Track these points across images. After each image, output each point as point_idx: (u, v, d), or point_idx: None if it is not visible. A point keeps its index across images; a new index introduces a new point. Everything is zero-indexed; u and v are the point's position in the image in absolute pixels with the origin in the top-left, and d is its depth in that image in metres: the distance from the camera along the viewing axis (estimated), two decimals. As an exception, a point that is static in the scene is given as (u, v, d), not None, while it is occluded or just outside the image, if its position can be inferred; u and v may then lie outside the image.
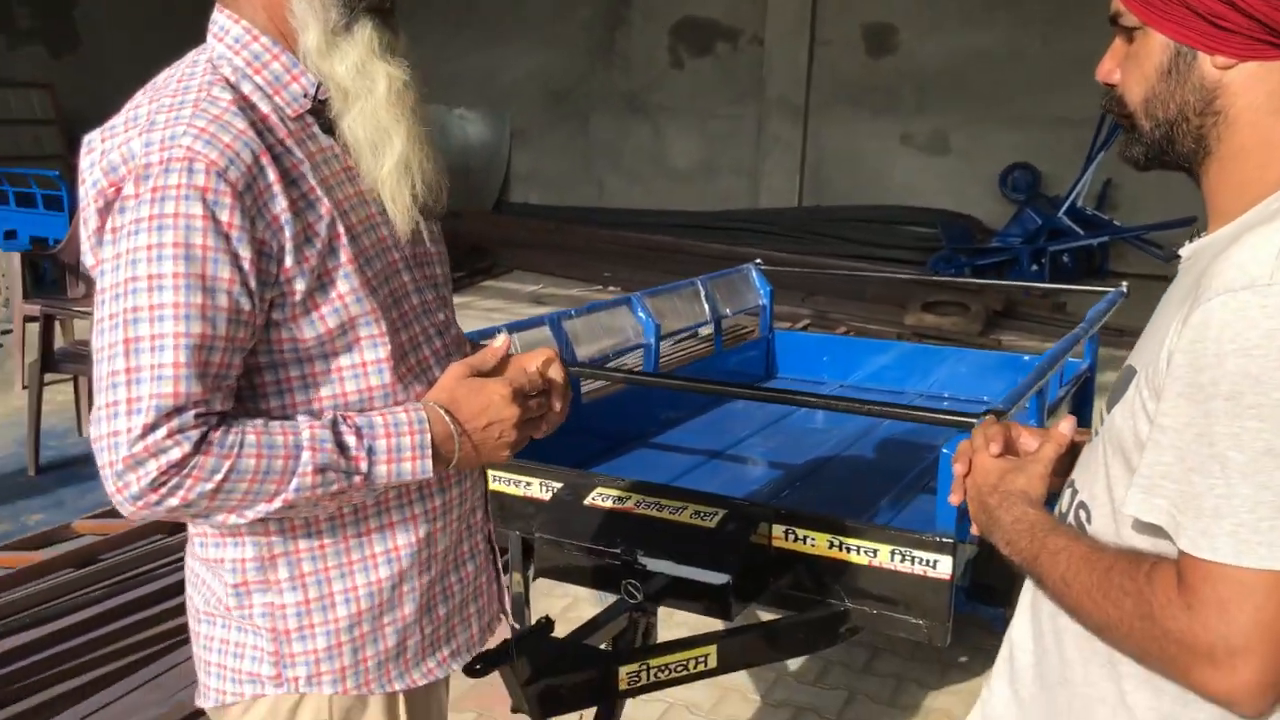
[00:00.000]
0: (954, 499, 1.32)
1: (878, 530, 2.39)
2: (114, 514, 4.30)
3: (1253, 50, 1.01)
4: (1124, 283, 4.03)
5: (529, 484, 2.64)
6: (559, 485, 2.58)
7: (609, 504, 2.51)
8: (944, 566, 2.31)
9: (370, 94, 1.25)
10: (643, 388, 3.41)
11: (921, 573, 2.33)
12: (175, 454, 1.12)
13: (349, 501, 1.27)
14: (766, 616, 2.84)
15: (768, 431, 3.69)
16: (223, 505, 1.17)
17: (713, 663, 2.32)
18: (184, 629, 3.42)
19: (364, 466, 1.23)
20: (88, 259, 1.23)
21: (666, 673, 2.27)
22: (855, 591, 2.41)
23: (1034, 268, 9.93)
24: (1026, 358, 4.31)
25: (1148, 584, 0.97)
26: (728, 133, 13.50)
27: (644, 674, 2.25)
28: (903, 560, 2.35)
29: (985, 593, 3.03)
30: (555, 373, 1.40)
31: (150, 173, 1.15)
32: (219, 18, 1.28)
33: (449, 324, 1.46)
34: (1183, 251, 1.13)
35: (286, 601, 1.31)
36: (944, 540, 2.31)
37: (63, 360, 5.17)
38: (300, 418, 1.23)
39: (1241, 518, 0.91)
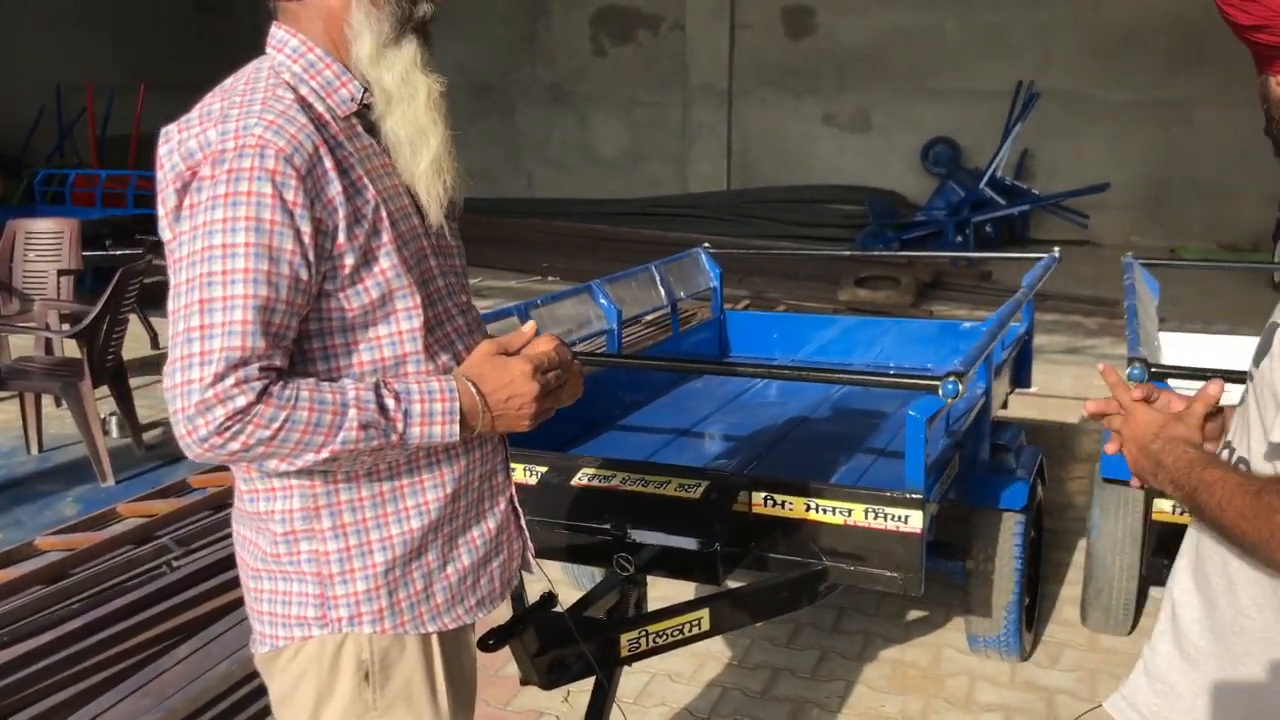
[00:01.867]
0: (1110, 448, 1.49)
1: (851, 491, 2.53)
2: (76, 529, 4.28)
3: None
4: (1056, 248, 4.23)
5: (513, 470, 2.74)
6: (544, 469, 2.68)
7: (595, 483, 2.62)
8: (915, 521, 2.46)
9: (413, 100, 1.43)
10: (611, 370, 3.52)
11: (894, 528, 2.48)
12: (240, 401, 1.26)
13: (384, 459, 1.41)
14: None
15: (729, 408, 3.83)
16: (276, 452, 1.31)
17: (706, 625, 2.44)
18: (167, 635, 3.42)
19: (400, 427, 1.37)
20: (165, 234, 1.38)
21: (665, 638, 2.39)
22: (832, 550, 2.55)
23: (959, 239, 10.23)
24: (965, 325, 4.51)
25: None
26: (653, 120, 13.62)
27: (643, 640, 2.37)
28: (876, 518, 2.49)
29: (944, 549, 3.20)
30: (563, 354, 1.57)
31: (226, 157, 1.30)
32: (277, 32, 1.45)
33: (469, 306, 1.61)
34: None
35: (330, 549, 1.44)
36: (913, 497, 2.46)
37: (8, 377, 5.10)
38: (345, 380, 1.38)
39: None
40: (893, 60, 12.39)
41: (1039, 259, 4.12)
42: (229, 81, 1.43)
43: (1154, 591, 3.66)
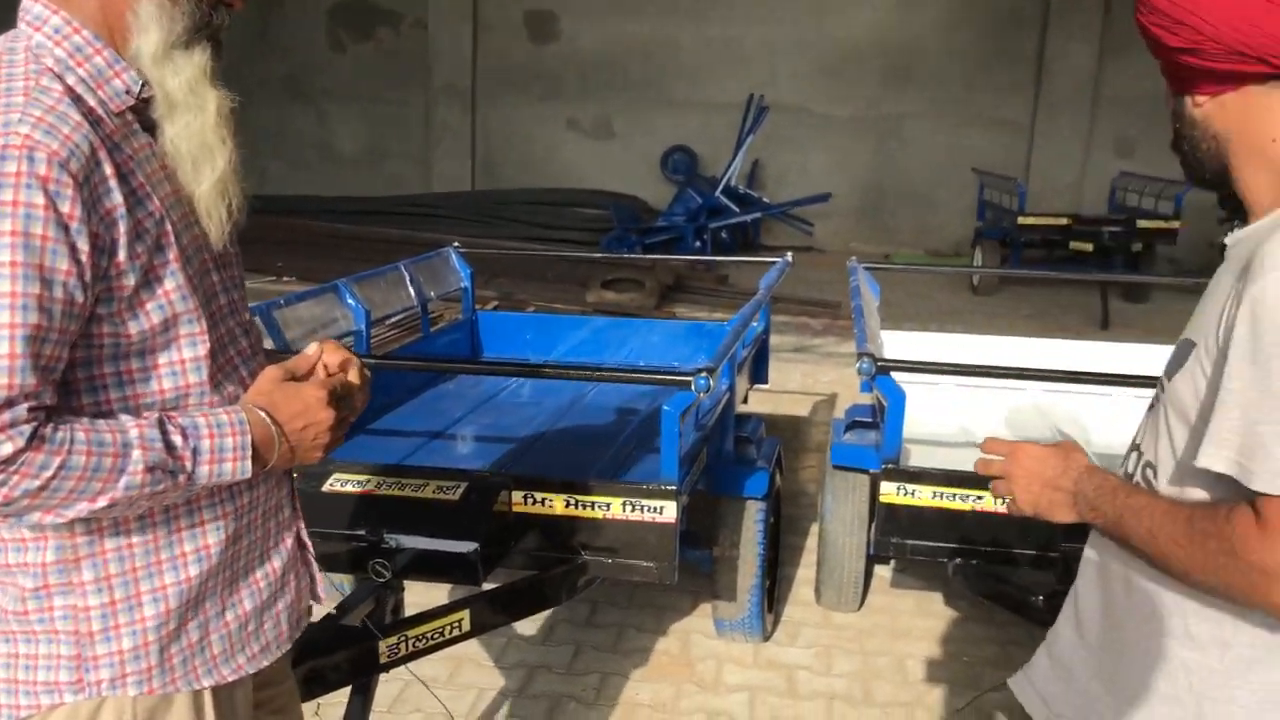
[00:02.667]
0: (1001, 490, 1.47)
1: (610, 485, 2.61)
2: None
3: (1209, 88, 1.27)
4: (788, 253, 4.51)
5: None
6: (294, 475, 2.58)
7: (349, 489, 2.56)
8: (670, 511, 2.56)
9: (200, 112, 1.29)
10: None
11: (650, 519, 2.57)
12: (7, 448, 1.10)
13: (164, 501, 1.27)
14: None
15: (484, 408, 3.82)
16: (44, 504, 1.16)
17: (466, 627, 2.44)
18: None
19: (189, 466, 1.24)
20: None
21: (424, 641, 2.36)
22: (592, 544, 2.61)
23: (698, 244, 10.64)
24: (708, 325, 4.72)
25: (1227, 524, 1.14)
26: (395, 118, 13.33)
27: (402, 645, 2.33)
28: (633, 510, 2.58)
29: (692, 538, 3.34)
30: (354, 375, 1.46)
31: None
32: (34, 6, 1.25)
33: (251, 324, 1.48)
34: (1227, 240, 1.32)
35: (90, 604, 1.28)
36: (668, 488, 2.56)
37: None
38: (123, 416, 1.23)
39: None
40: (633, 69, 12.73)
41: (774, 263, 4.37)
42: None
43: (880, 570, 3.97)
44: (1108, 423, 3.81)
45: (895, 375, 2.82)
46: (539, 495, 2.58)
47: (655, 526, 2.56)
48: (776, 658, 3.46)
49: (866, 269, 4.36)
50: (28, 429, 1.12)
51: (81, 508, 1.18)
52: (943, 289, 9.78)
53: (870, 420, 3.67)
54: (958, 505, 2.66)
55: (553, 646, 3.51)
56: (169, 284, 1.26)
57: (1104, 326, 8.41)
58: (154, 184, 1.27)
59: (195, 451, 1.25)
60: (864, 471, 3.50)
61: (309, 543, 1.57)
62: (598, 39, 12.71)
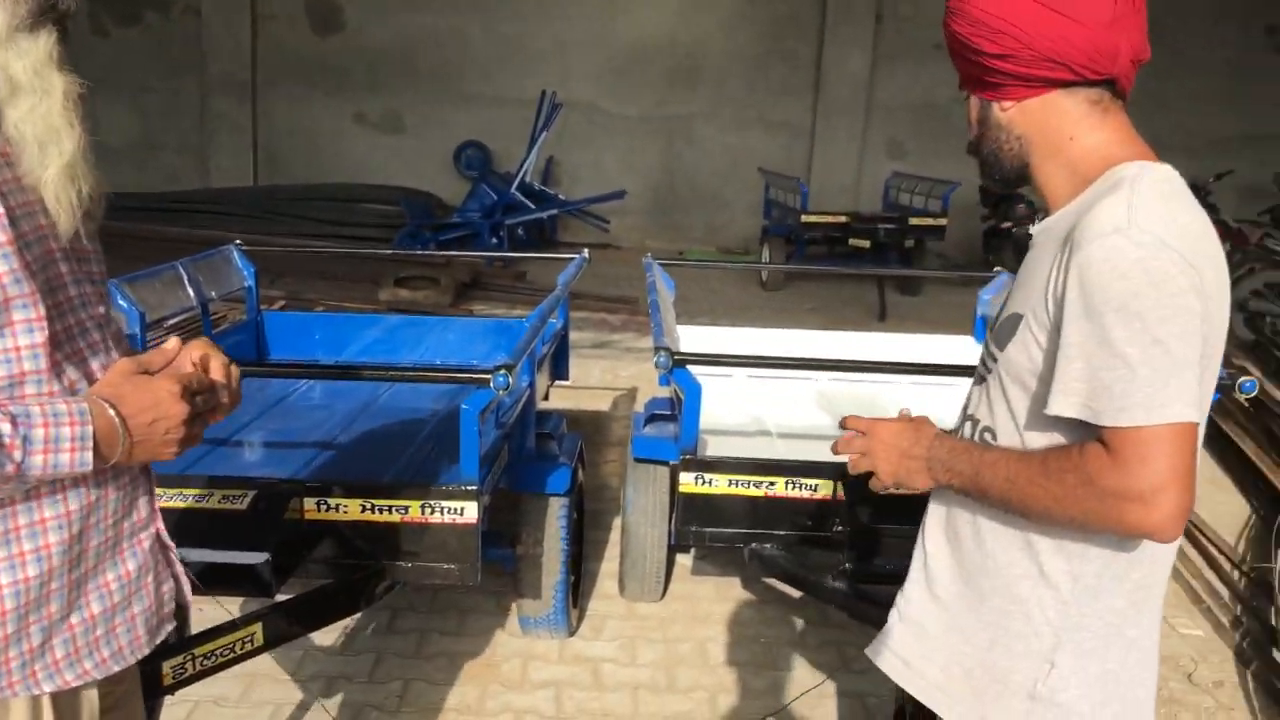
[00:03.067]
0: (864, 466, 1.57)
1: (407, 488, 2.55)
2: None
3: (1017, 93, 1.42)
4: (585, 249, 4.53)
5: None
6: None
7: (124, 501, 2.39)
8: (470, 512, 2.53)
9: (46, 95, 1.27)
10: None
11: (450, 521, 2.53)
12: None
13: None
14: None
15: (272, 413, 3.66)
16: None
17: (260, 641, 2.33)
18: None
19: (18, 455, 1.18)
20: None
21: (214, 659, 2.25)
22: (390, 549, 2.55)
23: (494, 240, 10.56)
24: (506, 322, 4.69)
25: (1082, 459, 1.29)
26: (167, 108, 12.57)
27: (189, 665, 2.21)
28: (432, 512, 2.53)
29: (494, 537, 3.31)
30: (217, 371, 1.42)
31: None
32: None
33: (107, 319, 1.42)
34: (1033, 229, 1.48)
35: None
36: (468, 489, 2.53)
37: None
38: None
39: (1145, 391, 1.24)
40: (422, 62, 12.48)
41: (571, 259, 4.38)
42: None
43: (681, 558, 4.06)
44: (887, 407, 4.03)
45: (691, 368, 2.88)
46: (332, 501, 2.50)
47: (456, 528, 2.52)
48: (582, 652, 3.48)
49: (661, 265, 4.44)
50: None
51: None
52: (734, 285, 10.08)
53: (669, 413, 3.75)
54: (752, 492, 2.76)
55: (352, 656, 3.40)
56: (1, 267, 1.21)
57: (881, 318, 8.89)
58: None
59: (26, 440, 1.18)
60: (664, 463, 3.57)
61: (171, 544, 1.52)
62: (385, 31, 12.39)
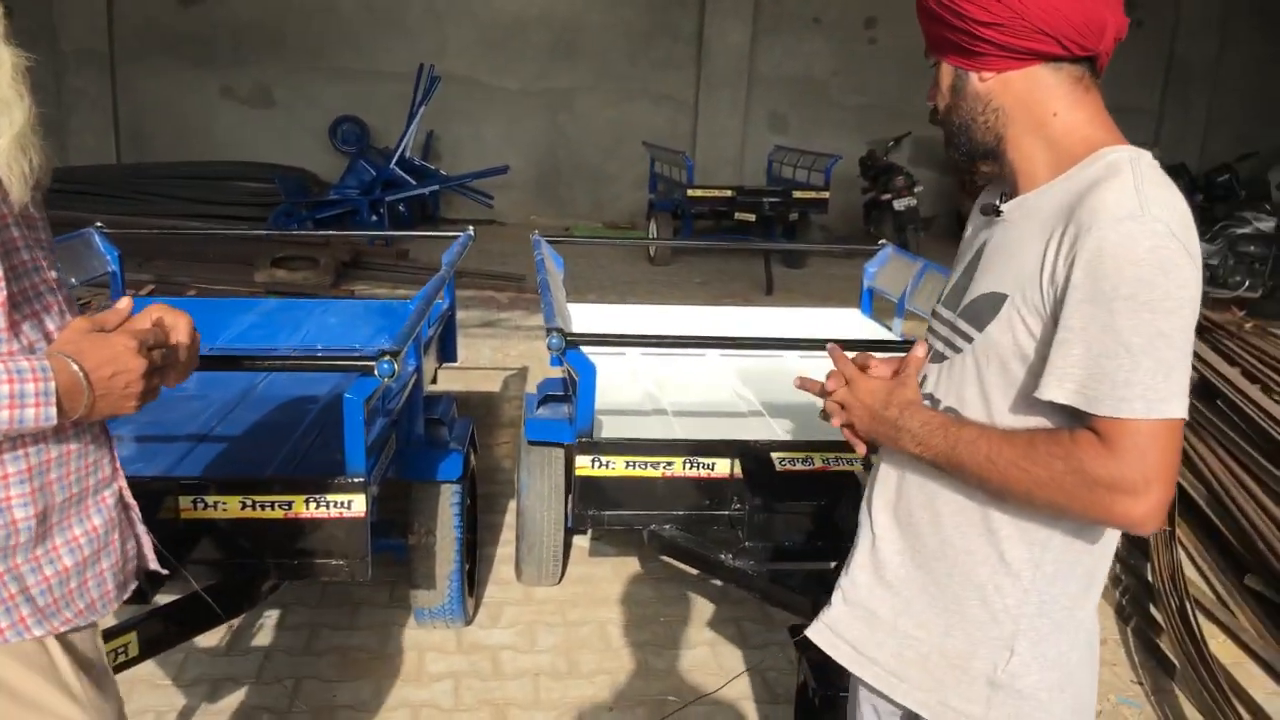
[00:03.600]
0: (835, 422, 1.52)
1: (290, 481, 2.43)
2: None
3: (1001, 64, 1.37)
4: (470, 227, 4.42)
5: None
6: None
7: (-22, 508, 2.21)
8: (358, 505, 2.43)
9: None
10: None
11: (338, 515, 2.42)
12: None
13: None
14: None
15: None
16: None
17: (135, 650, 2.20)
18: None
19: None
20: None
21: (83, 674, 2.09)
22: (275, 547, 2.43)
23: (374, 218, 10.27)
24: (390, 303, 4.54)
25: (1074, 446, 1.25)
26: (17, 83, 11.84)
27: (56, 681, 2.06)
28: (318, 507, 2.42)
29: (385, 527, 3.20)
30: (180, 332, 1.47)
31: None
32: None
33: (59, 284, 1.45)
34: (1005, 206, 1.42)
35: None
36: (355, 481, 2.42)
37: None
38: None
39: (1147, 384, 1.21)
40: (291, 35, 12.03)
41: (456, 237, 4.26)
42: None
43: (578, 540, 4.01)
44: (774, 378, 4.05)
45: (585, 348, 2.82)
46: (210, 499, 2.36)
47: (344, 522, 2.41)
48: (480, 640, 3.41)
49: (549, 241, 4.36)
50: None
51: None
52: (622, 260, 10.04)
53: (562, 394, 3.68)
54: (649, 473, 2.72)
55: (238, 656, 3.26)
56: None
57: (768, 291, 8.97)
58: None
59: None
60: (558, 445, 3.50)
61: (133, 504, 1.56)
62: (251, 2, 11.89)
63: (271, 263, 8.13)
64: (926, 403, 1.48)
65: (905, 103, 12.92)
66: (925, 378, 1.52)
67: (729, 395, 3.91)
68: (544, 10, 12.28)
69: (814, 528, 2.64)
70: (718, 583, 3.79)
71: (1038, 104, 1.38)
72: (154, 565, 1.62)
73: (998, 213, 1.44)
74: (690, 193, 9.63)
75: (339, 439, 2.48)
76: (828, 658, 2.50)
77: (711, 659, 3.34)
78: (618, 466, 2.71)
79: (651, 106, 12.66)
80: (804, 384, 1.61)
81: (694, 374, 4.14)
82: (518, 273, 8.89)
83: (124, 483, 1.54)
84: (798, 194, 9.79)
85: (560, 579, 3.76)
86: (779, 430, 3.43)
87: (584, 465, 2.70)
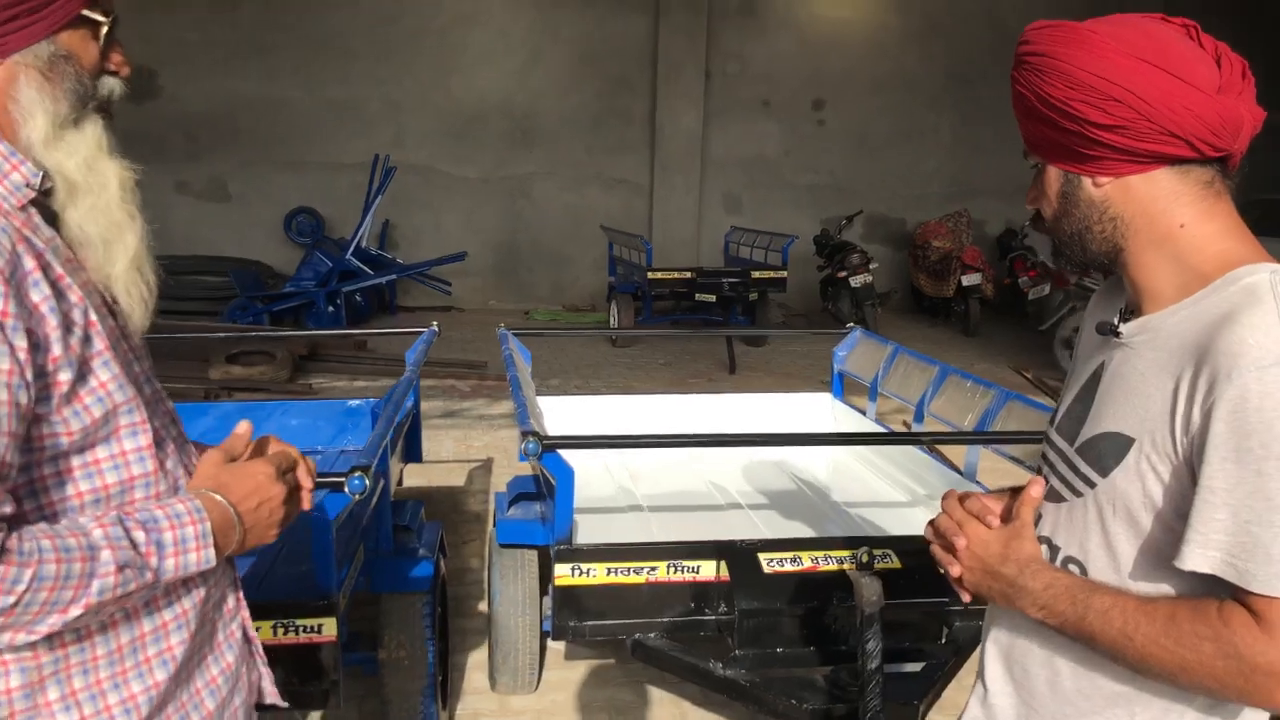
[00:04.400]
0: (955, 572, 1.34)
1: (256, 606, 2.29)
2: None
3: (1119, 169, 1.22)
4: (435, 323, 4.34)
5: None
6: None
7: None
8: (329, 629, 2.30)
9: (103, 190, 1.25)
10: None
11: (307, 640, 2.29)
12: None
13: (128, 604, 1.21)
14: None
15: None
16: (17, 621, 1.08)
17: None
18: None
19: (154, 562, 1.19)
20: None
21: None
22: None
23: (330, 309, 10.16)
24: (352, 403, 4.42)
25: (1225, 627, 1.10)
26: (-36, 182, 11.69)
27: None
28: (286, 632, 2.29)
29: (352, 641, 3.05)
30: (293, 451, 1.45)
31: None
32: None
33: (175, 412, 1.41)
34: (1125, 328, 1.26)
35: None
36: (326, 603, 2.30)
37: None
38: (80, 518, 1.17)
39: None
40: (245, 129, 12.01)
41: (420, 334, 4.18)
42: None
43: (553, 644, 3.87)
44: (751, 467, 3.98)
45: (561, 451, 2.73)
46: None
47: (314, 647, 2.28)
48: (455, 758, 3.25)
49: (516, 335, 4.29)
50: None
51: (54, 620, 1.11)
52: (584, 342, 9.99)
53: (534, 492, 3.58)
54: (632, 580, 2.62)
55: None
56: (104, 375, 1.21)
57: (731, 371, 8.95)
58: (71, 275, 1.21)
59: (159, 545, 1.20)
60: (532, 547, 3.39)
61: (254, 635, 1.52)
62: (204, 97, 11.88)
63: (227, 358, 7.97)
64: (1043, 547, 1.32)
65: (854, 180, 13.18)
66: (1040, 517, 1.36)
67: (705, 487, 3.83)
68: (502, 100, 12.40)
69: (806, 631, 2.54)
70: (701, 686, 3.66)
71: (1162, 214, 1.22)
72: (273, 699, 1.54)
73: (1117, 334, 1.28)
74: (650, 275, 9.64)
75: (307, 557, 2.36)
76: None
77: (699, 768, 3.21)
78: (599, 574, 2.60)
79: (608, 190, 12.75)
80: (933, 537, 1.41)
81: (667, 464, 4.06)
82: (479, 360, 8.79)
83: (247, 613, 1.49)
84: (756, 274, 9.84)
85: (537, 686, 3.61)
86: (761, 524, 3.35)
87: (564, 574, 2.59)
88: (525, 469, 3.86)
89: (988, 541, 1.31)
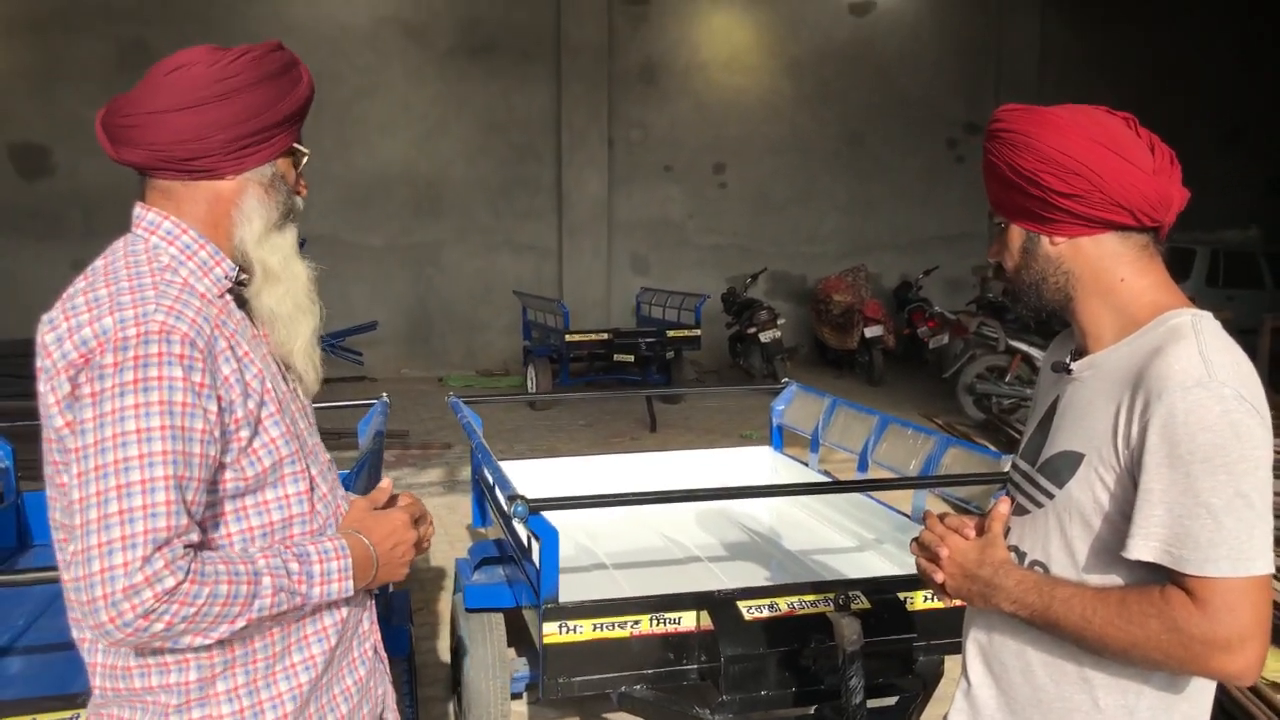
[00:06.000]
0: (939, 578, 1.55)
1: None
2: None
3: (1073, 231, 1.46)
4: (384, 394, 4.38)
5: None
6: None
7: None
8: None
9: (294, 280, 1.57)
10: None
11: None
12: (170, 582, 1.29)
13: (282, 620, 1.49)
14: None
15: (45, 615, 3.24)
16: (196, 628, 1.34)
17: None
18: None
19: (303, 589, 1.46)
20: (56, 420, 1.39)
21: None
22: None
23: (243, 384, 10.01)
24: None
25: (1166, 605, 1.31)
26: None
27: None
28: None
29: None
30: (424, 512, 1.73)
31: (129, 343, 1.35)
32: (147, 214, 1.52)
33: (331, 463, 1.69)
34: (1075, 366, 1.51)
35: (224, 712, 1.46)
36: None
37: None
38: (249, 549, 1.45)
39: (1230, 543, 1.29)
40: (147, 203, 11.81)
41: (371, 404, 4.22)
42: (102, 264, 1.47)
43: (515, 705, 3.91)
44: (701, 525, 4.12)
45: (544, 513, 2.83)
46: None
47: None
48: (435, 825, 3.26)
49: (466, 402, 4.37)
50: (184, 564, 1.32)
51: (224, 629, 1.37)
52: (505, 407, 10.02)
53: (497, 556, 3.65)
54: (618, 634, 2.71)
55: None
56: (274, 431, 1.49)
57: (652, 429, 9.10)
58: (253, 350, 1.50)
59: (309, 575, 1.47)
60: (499, 610, 3.46)
61: (384, 655, 1.76)
62: (99, 174, 11.60)
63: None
64: (1012, 555, 1.53)
65: (757, 240, 13.59)
66: (1008, 530, 1.58)
67: (662, 542, 3.95)
68: (405, 169, 12.47)
69: (787, 673, 2.67)
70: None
71: (1106, 270, 1.46)
72: (393, 716, 1.77)
73: (1068, 371, 1.52)
74: (569, 338, 9.78)
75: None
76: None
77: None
78: (585, 630, 2.69)
79: (517, 255, 12.88)
80: (918, 551, 1.62)
81: (621, 522, 4.16)
82: (400, 429, 8.77)
83: (379, 636, 1.73)
84: (671, 333, 10.07)
85: (510, 750, 3.65)
86: (722, 575, 3.49)
87: (551, 632, 2.67)
88: (469, 538, 3.91)
89: (966, 550, 1.53)
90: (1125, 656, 1.37)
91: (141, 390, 1.33)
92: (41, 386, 1.40)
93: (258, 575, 1.40)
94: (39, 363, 1.41)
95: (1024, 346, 8.98)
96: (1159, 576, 1.35)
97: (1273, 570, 1.32)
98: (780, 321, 11.23)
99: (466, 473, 7.74)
